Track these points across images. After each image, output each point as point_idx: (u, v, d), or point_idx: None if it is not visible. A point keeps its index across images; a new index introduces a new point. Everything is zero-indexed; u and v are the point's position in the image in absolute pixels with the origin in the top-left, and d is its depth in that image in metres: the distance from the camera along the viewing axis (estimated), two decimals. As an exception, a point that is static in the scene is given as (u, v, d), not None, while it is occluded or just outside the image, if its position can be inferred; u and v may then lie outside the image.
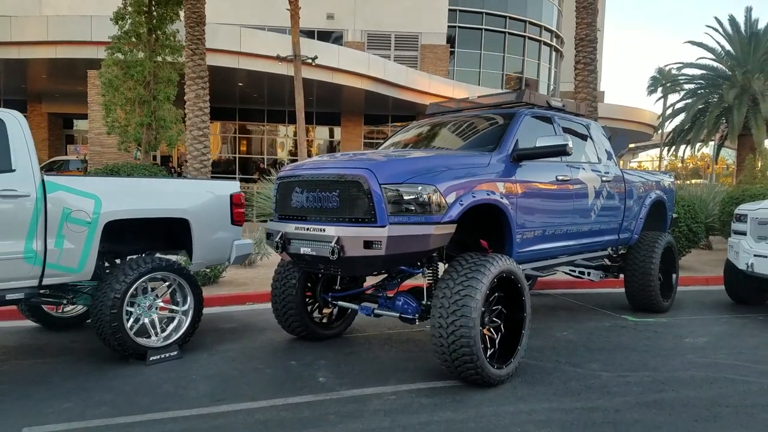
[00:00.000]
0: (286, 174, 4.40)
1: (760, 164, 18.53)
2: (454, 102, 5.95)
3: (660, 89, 46.48)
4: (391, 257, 3.81)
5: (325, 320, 5.28)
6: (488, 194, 4.18)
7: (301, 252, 4.10)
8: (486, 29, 30.81)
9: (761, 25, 20.63)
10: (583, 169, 5.41)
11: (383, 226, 3.76)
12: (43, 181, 4.05)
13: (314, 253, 4.01)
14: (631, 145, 49.16)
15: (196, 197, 4.89)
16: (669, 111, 22.58)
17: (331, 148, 28.43)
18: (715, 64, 21.47)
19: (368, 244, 3.78)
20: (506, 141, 4.67)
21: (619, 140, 7.38)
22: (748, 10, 20.94)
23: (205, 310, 6.21)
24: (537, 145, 4.54)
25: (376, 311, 4.52)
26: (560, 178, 5.02)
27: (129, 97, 13.38)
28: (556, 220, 5.01)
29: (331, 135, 28.84)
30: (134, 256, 4.84)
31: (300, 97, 13.41)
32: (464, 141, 5.16)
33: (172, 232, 4.97)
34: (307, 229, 4.08)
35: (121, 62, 13.34)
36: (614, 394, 3.86)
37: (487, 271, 3.90)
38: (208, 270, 7.07)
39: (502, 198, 4.30)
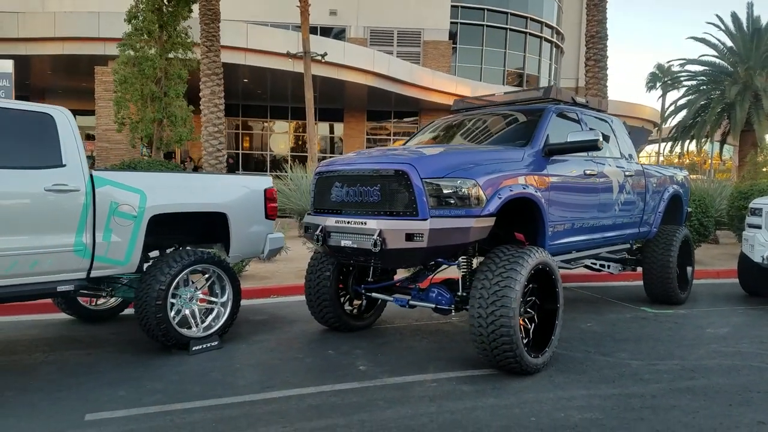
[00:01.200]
0: (325, 170, 4.51)
1: (761, 159, 18.72)
2: (478, 99, 6.06)
3: (659, 85, 46.75)
4: (432, 249, 3.93)
5: (355, 312, 5.40)
6: (524, 188, 4.31)
7: (342, 245, 4.22)
8: (487, 25, 30.90)
9: (763, 22, 20.74)
10: (608, 164, 5.54)
11: (425, 219, 3.88)
12: (91, 175, 4.15)
13: (355, 246, 4.13)
14: (648, 138, 49.32)
15: (233, 192, 5.00)
16: (671, 107, 22.73)
17: (333, 144, 28.51)
18: (717, 60, 21.60)
19: (410, 237, 3.89)
20: (538, 136, 4.79)
21: (637, 135, 7.49)
22: (750, 6, 21.07)
23: (240, 302, 6.41)
24: (569, 140, 4.66)
25: (411, 302, 4.64)
26: (588, 172, 5.15)
27: (143, 93, 13.42)
28: (584, 213, 5.14)
29: (331, 131, 28.90)
30: (171, 249, 4.94)
31: (309, 93, 13.51)
32: (494, 137, 5.28)
33: (210, 226, 5.07)
34: (348, 222, 4.20)
35: (132, 59, 13.39)
36: (647, 381, 4.00)
37: (525, 263, 4.03)
38: (231, 264, 7.16)
39: (536, 191, 4.42)
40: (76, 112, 16.14)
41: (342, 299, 5.29)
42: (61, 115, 4.15)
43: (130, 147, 13.94)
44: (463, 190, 3.95)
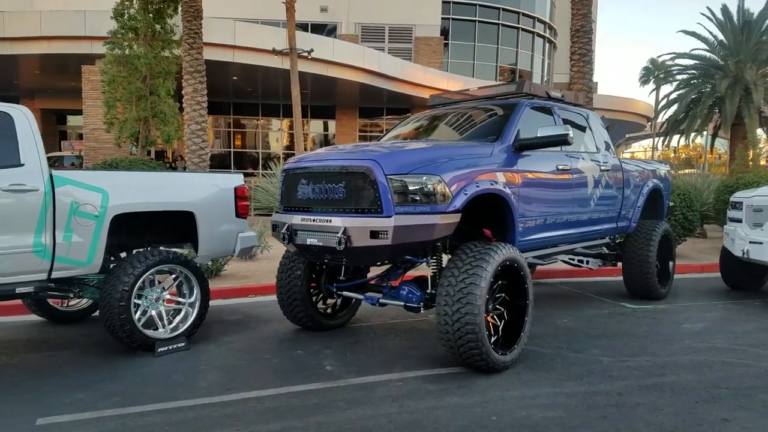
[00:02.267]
0: (291, 166, 4.45)
1: (751, 153, 18.70)
2: (455, 94, 6.00)
3: (652, 80, 46.70)
4: (397, 247, 3.87)
5: (329, 311, 5.35)
6: (491, 184, 4.25)
7: (308, 243, 4.16)
8: (479, 21, 30.80)
9: (754, 14, 20.71)
10: (583, 158, 5.48)
11: (389, 216, 3.82)
12: (51, 175, 4.08)
13: (321, 244, 4.07)
14: (625, 135, 49.37)
15: (201, 190, 4.93)
16: (663, 102, 22.70)
17: (326, 141, 28.42)
18: (708, 54, 21.57)
19: (374, 234, 3.84)
20: (508, 131, 4.73)
21: (616, 130, 7.41)
22: (741, -1, 21.06)
23: (210, 303, 6.34)
24: (538, 135, 4.61)
25: (381, 300, 4.59)
26: (560, 167, 5.09)
27: (130, 91, 13.32)
28: (557, 209, 5.08)
29: (326, 129, 28.83)
30: (140, 250, 4.86)
31: (296, 90, 13.41)
32: (466, 132, 5.22)
33: (178, 225, 5.00)
34: (313, 220, 4.14)
35: (120, 57, 13.29)
36: (616, 378, 3.95)
37: (492, 259, 3.97)
38: (209, 263, 7.11)
39: (504, 187, 4.37)
40: (66, 112, 16.13)
41: (315, 298, 5.23)
42: (19, 114, 4.08)
43: (118, 146, 13.82)
44: (428, 186, 3.89)
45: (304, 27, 26.98)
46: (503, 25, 31.41)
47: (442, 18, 29.34)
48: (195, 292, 4.77)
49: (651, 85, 49.14)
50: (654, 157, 44.55)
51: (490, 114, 5.22)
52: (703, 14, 21.31)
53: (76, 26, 17.78)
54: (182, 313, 4.77)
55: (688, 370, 4.12)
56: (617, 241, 6.69)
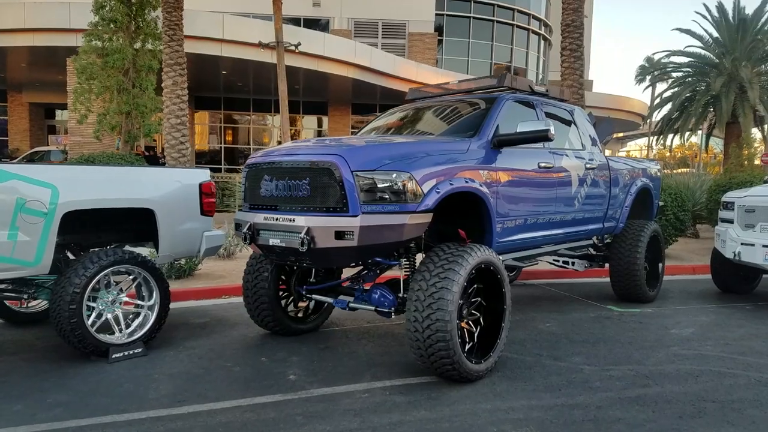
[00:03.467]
0: (254, 161, 4.18)
1: (746, 152, 18.52)
2: (435, 87, 5.75)
3: (648, 78, 46.49)
4: (363, 248, 3.62)
5: (300, 314, 5.09)
6: (466, 182, 3.99)
7: (270, 243, 3.90)
8: (474, 17, 30.53)
9: (749, 12, 20.50)
10: (567, 156, 5.23)
11: (355, 216, 3.56)
12: (-8, 169, 3.80)
13: (284, 245, 3.80)
14: (620, 134, 49.22)
15: (162, 186, 4.65)
16: (657, 100, 22.47)
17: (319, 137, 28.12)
18: (703, 51, 21.35)
19: (340, 235, 3.58)
20: (486, 126, 4.47)
21: (604, 126, 7.16)
22: (737, -4, 20.83)
23: (179, 305, 6.08)
24: (518, 131, 4.36)
25: (351, 305, 4.33)
26: (543, 165, 4.84)
27: (107, 85, 13.01)
28: (539, 208, 4.83)
29: (320, 125, 28.53)
30: (97, 249, 4.59)
31: (283, 84, 13.12)
32: (444, 127, 4.96)
33: (139, 223, 4.73)
34: (276, 219, 3.87)
35: (99, 49, 12.97)
36: (596, 390, 3.71)
37: (465, 262, 3.73)
38: (183, 262, 6.85)
39: (481, 186, 4.11)
40: (55, 106, 15.79)
41: (285, 301, 4.98)
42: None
43: (96, 139, 13.49)
44: (397, 184, 3.63)
45: (296, 22, 26.69)
46: (498, 21, 31.15)
47: (437, 14, 29.08)
48: (154, 294, 4.50)
49: (647, 84, 49.01)
50: (650, 157, 44.42)
51: (470, 108, 4.96)
52: (698, 12, 21.09)
53: (61, 18, 17.45)
54: (141, 317, 4.50)
55: (673, 381, 3.88)
56: (605, 241, 6.46)
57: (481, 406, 3.44)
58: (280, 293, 4.89)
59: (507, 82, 5.07)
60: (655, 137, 23.47)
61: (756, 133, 24.01)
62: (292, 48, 15.93)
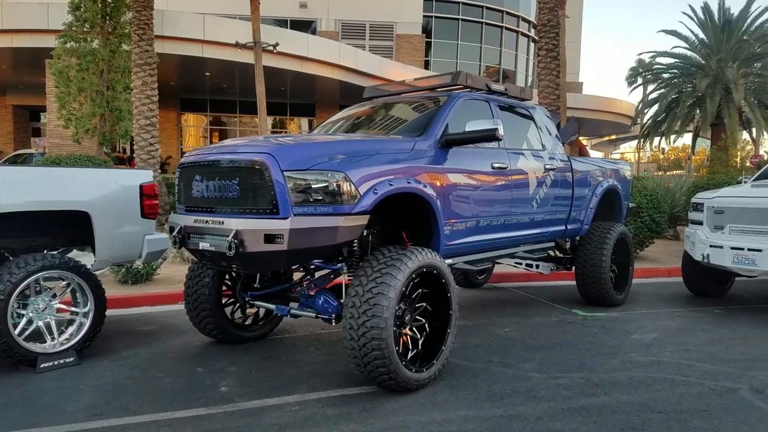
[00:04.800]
0: (187, 160, 3.99)
1: (736, 154, 18.43)
2: (392, 85, 5.59)
3: (640, 80, 46.50)
4: (295, 252, 3.43)
5: (249, 321, 4.91)
6: (408, 182, 3.82)
7: (201, 247, 3.71)
8: (463, 19, 30.42)
9: (734, 13, 20.47)
10: (524, 156, 5.07)
11: (285, 218, 3.38)
12: None
13: (213, 249, 3.62)
14: (613, 137, 49.20)
15: (98, 188, 4.47)
16: (643, 102, 22.39)
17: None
18: (689, 53, 21.31)
19: (269, 238, 3.39)
20: (434, 126, 4.31)
21: (568, 126, 7.03)
22: (722, -3, 20.82)
23: (131, 311, 5.90)
24: (466, 130, 4.20)
25: (292, 311, 4.16)
26: (497, 165, 4.68)
27: (82, 87, 12.82)
28: (492, 210, 4.67)
29: (310, 127, 28.34)
30: (27, 255, 4.40)
31: (261, 85, 12.94)
32: (395, 126, 4.80)
33: (76, 227, 4.54)
34: (206, 221, 3.69)
35: (73, 51, 12.76)
36: (540, 399, 3.54)
37: (403, 266, 3.56)
38: (140, 266, 6.65)
39: (425, 187, 3.94)
40: (39, 109, 15.43)
41: (232, 307, 4.80)
42: None
43: (75, 142, 13.27)
44: (330, 184, 3.46)
45: (283, 23, 26.52)
46: (487, 23, 31.06)
47: (425, 16, 28.95)
48: (89, 301, 4.30)
49: (638, 86, 49.06)
50: (642, 159, 44.36)
51: (422, 107, 4.80)
52: (684, 13, 21.04)
53: (39, 19, 17.20)
54: (75, 325, 4.31)
55: (623, 390, 3.72)
56: (575, 243, 6.30)
57: (415, 418, 3.26)
58: (226, 299, 4.71)
59: (461, 80, 4.91)
60: (641, 139, 23.38)
61: (745, 134, 23.97)
62: (270, 48, 15.72)
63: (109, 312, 5.70)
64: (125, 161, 17.09)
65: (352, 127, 4.97)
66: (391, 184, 3.69)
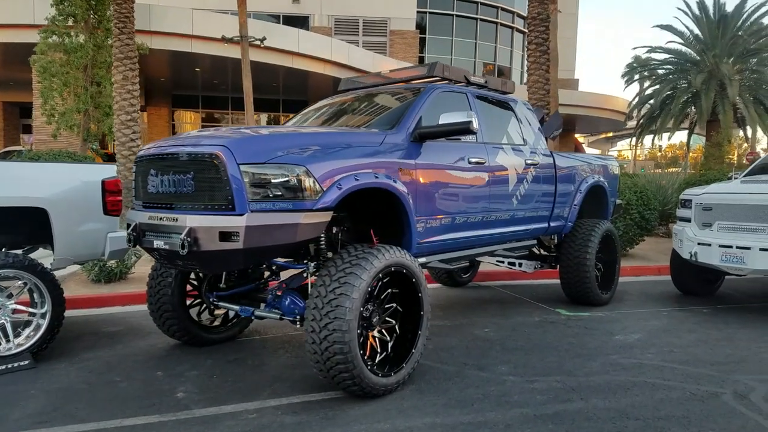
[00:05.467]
0: (142, 153, 3.80)
1: (734, 150, 18.27)
2: (369, 77, 5.40)
3: (637, 77, 46.32)
4: (252, 251, 3.25)
5: (218, 322, 4.72)
6: (376, 177, 3.64)
7: (155, 246, 3.52)
8: (457, 15, 30.21)
9: (729, 8, 20.31)
10: (504, 150, 4.89)
11: (242, 215, 3.19)
12: None
13: (167, 248, 3.43)
14: (610, 134, 49.06)
15: (57, 184, 4.28)
16: (637, 99, 22.21)
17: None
18: (684, 48, 21.12)
19: (225, 236, 3.20)
20: (407, 119, 4.13)
21: (552, 121, 6.84)
22: (717, -7, 20.63)
23: (100, 311, 5.72)
24: (439, 123, 4.02)
25: (256, 313, 3.97)
26: (474, 160, 4.50)
27: (67, 82, 12.60)
28: (469, 206, 4.48)
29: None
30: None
31: (248, 80, 12.73)
32: (367, 119, 4.61)
33: (37, 224, 4.35)
34: (161, 218, 3.50)
35: (57, 46, 12.54)
36: (512, 405, 3.37)
37: (369, 265, 3.38)
38: (113, 265, 6.46)
39: (395, 182, 3.76)
40: (30, 105, 14.97)
41: (199, 308, 4.62)
42: None
43: (55, 139, 13.07)
44: (290, 178, 3.27)
45: (276, 18, 26.25)
46: (482, 19, 30.84)
47: (420, 12, 28.72)
48: (46, 301, 4.11)
49: (633, 81, 48.90)
50: (639, 156, 44.17)
51: (397, 99, 4.62)
52: (680, 9, 20.85)
53: (25, 14, 16.92)
54: (33, 326, 4.13)
55: (600, 394, 3.55)
56: (558, 241, 6.13)
57: (377, 426, 3.09)
58: (192, 300, 4.52)
59: (438, 71, 4.73)
60: (635, 136, 23.22)
61: (740, 132, 23.79)
62: (257, 43, 15.48)
63: (78, 312, 5.62)
64: (114, 157, 16.86)
65: (326, 120, 4.79)
66: (357, 179, 3.51)
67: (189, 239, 3.24)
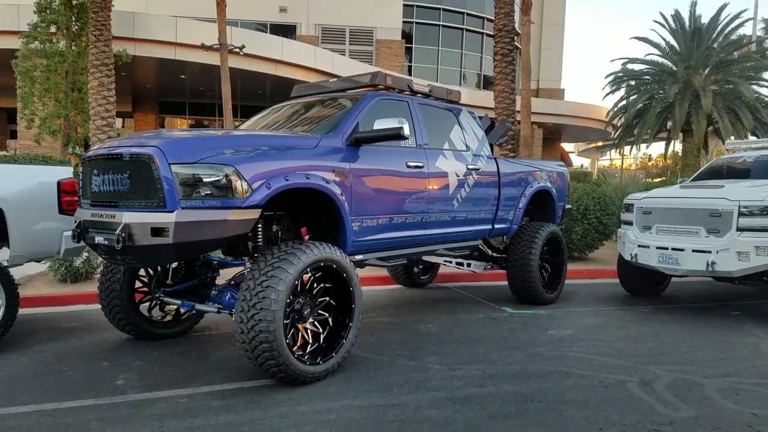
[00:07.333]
0: (88, 154, 4.05)
1: (699, 158, 18.63)
2: (318, 85, 5.67)
3: (623, 87, 46.92)
4: (182, 246, 3.49)
5: (169, 318, 4.95)
6: (308, 178, 3.90)
7: (96, 242, 3.76)
8: (443, 25, 30.66)
9: (704, 21, 20.78)
10: (444, 155, 5.16)
11: (172, 211, 3.44)
12: None
13: (106, 243, 3.67)
14: (599, 143, 49.57)
15: (12, 183, 4.51)
16: (614, 108, 22.62)
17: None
18: (661, 59, 21.57)
19: (156, 232, 3.45)
20: (343, 124, 4.39)
21: (498, 128, 7.05)
22: (693, 5, 21.11)
23: (62, 309, 5.92)
24: (373, 129, 4.29)
25: (196, 307, 4.22)
26: (412, 164, 4.77)
27: (47, 88, 12.82)
28: (407, 208, 4.74)
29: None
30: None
31: (227, 86, 13.00)
32: (310, 124, 4.87)
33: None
34: (101, 215, 3.74)
35: (38, 52, 12.76)
36: (428, 389, 3.62)
37: (296, 260, 3.63)
38: (79, 265, 6.68)
39: (327, 183, 4.02)
40: (16, 111, 14.88)
41: (150, 303, 4.84)
42: None
43: (37, 143, 13.26)
44: (219, 178, 3.52)
45: (262, 27, 26.59)
46: (467, 29, 31.31)
47: (406, 21, 29.15)
48: (0, 296, 4.33)
49: (621, 92, 49.49)
50: (623, 167, 44.62)
51: (339, 106, 4.89)
52: (656, 21, 21.32)
53: (10, 20, 17.15)
54: (-13, 320, 4.34)
55: (513, 381, 3.80)
56: (506, 243, 6.40)
57: (297, 408, 3.33)
58: (143, 296, 4.75)
59: (380, 80, 5.00)
60: (614, 147, 23.61)
61: (718, 143, 24.22)
62: (237, 51, 15.76)
63: (41, 310, 5.82)
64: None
65: (273, 124, 5.04)
66: (286, 179, 3.77)
67: (124, 235, 3.49)
